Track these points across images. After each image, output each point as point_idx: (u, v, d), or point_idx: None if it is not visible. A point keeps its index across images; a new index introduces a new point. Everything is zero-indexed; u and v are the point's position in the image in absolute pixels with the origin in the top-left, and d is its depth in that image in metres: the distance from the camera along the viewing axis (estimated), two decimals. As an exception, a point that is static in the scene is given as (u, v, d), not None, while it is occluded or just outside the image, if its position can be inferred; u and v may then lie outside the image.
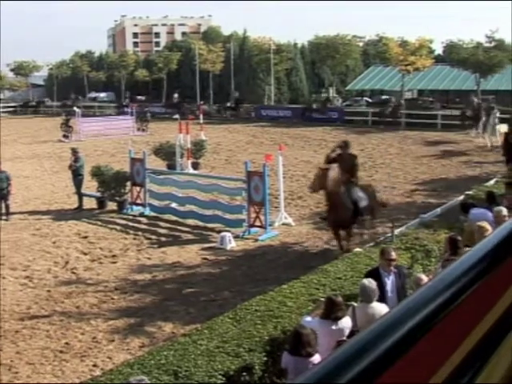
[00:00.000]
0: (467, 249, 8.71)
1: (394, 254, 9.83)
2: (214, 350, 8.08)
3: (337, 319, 8.18)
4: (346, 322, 8.24)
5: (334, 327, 8.14)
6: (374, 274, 9.47)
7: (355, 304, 8.72)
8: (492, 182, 20.02)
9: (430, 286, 1.50)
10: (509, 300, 1.92)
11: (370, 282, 8.66)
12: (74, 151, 24.24)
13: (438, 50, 66.49)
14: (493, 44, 53.95)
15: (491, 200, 14.20)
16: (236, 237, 18.37)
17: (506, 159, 23.70)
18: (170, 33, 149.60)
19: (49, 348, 11.71)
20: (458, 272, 1.54)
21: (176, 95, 68.73)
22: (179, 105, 61.87)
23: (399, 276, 9.65)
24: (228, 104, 62.65)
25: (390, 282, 9.49)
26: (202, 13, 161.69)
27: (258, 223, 18.89)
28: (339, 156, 15.82)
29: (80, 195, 23.26)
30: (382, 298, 8.98)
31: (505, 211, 11.70)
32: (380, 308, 8.29)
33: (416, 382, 1.33)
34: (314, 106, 57.17)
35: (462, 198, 17.70)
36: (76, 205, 23.20)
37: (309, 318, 8.46)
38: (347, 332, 8.15)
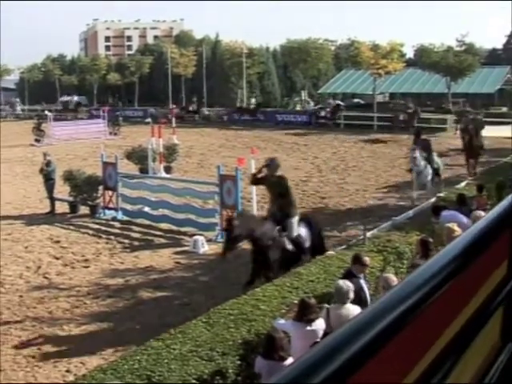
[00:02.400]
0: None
1: (367, 259, 10.03)
2: (188, 354, 8.06)
3: (310, 321, 8.21)
4: (319, 324, 8.27)
5: (307, 329, 8.17)
6: (351, 276, 9.56)
7: (327, 305, 8.76)
8: (463, 184, 20.16)
9: (399, 287, 1.52)
10: (479, 301, 1.95)
11: (345, 283, 8.70)
12: (46, 155, 24.07)
13: (409, 53, 67.01)
14: (463, 48, 54.46)
15: (462, 202, 14.33)
16: (209, 240, 18.34)
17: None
18: (142, 36, 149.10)
19: (21, 354, 11.62)
20: (428, 274, 1.56)
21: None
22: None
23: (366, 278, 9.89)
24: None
25: (365, 284, 9.62)
26: (174, 16, 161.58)
27: (230, 227, 18.87)
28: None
29: (52, 199, 23.12)
30: (364, 300, 9.08)
31: (483, 215, 11.79)
32: (354, 309, 8.33)
33: (387, 382, 1.34)
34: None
35: (433, 200, 17.80)
36: (48, 209, 23.06)
37: (282, 321, 8.48)
38: (321, 334, 8.17)
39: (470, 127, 27.90)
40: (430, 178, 22.09)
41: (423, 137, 23.26)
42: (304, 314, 8.24)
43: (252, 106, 62.81)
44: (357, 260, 9.93)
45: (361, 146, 40.21)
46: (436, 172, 22.44)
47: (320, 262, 11.88)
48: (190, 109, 62.41)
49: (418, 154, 21.72)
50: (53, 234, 20.03)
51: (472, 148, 26.87)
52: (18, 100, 78.31)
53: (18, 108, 74.06)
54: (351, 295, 8.62)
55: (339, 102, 58.98)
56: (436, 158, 23.00)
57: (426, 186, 22.05)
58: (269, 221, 13.07)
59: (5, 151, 39.99)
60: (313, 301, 8.46)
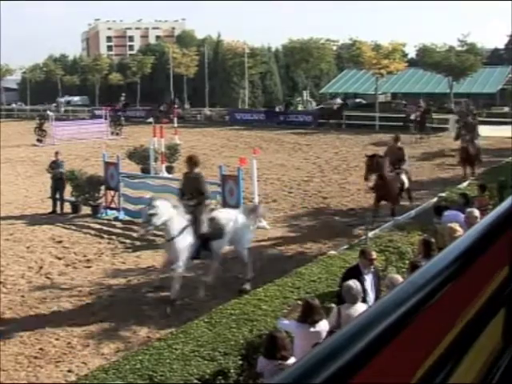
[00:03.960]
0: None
1: (374, 254, 10.06)
2: (190, 354, 8.06)
3: (314, 323, 8.18)
4: (323, 326, 8.23)
5: (311, 330, 8.14)
6: (355, 271, 9.59)
7: (333, 305, 8.75)
8: (465, 184, 20.13)
9: (401, 288, 1.52)
10: (480, 302, 1.95)
11: (355, 283, 8.68)
12: (58, 154, 24.05)
13: (411, 53, 67.01)
14: (465, 48, 54.47)
15: (464, 202, 14.32)
16: (211, 240, 18.31)
17: None
18: (144, 36, 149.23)
19: (23, 354, 11.62)
20: (429, 274, 1.56)
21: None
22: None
23: (375, 275, 9.84)
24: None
25: (369, 280, 9.62)
26: (175, 16, 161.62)
27: (232, 227, 18.84)
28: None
29: (57, 200, 23.10)
30: (363, 296, 9.09)
31: (476, 212, 11.81)
32: (364, 309, 8.30)
33: (389, 382, 1.34)
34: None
35: (435, 200, 17.79)
36: (56, 209, 23.03)
37: (286, 321, 8.45)
38: (324, 335, 8.15)
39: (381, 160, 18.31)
40: (183, 253, 13.54)
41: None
42: (308, 315, 8.21)
43: (336, 106, 55.21)
44: (362, 254, 9.99)
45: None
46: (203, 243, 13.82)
47: (322, 261, 11.90)
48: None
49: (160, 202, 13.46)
50: (55, 234, 20.03)
51: (386, 189, 18.39)
52: (62, 100, 75.13)
53: (62, 109, 71.05)
54: (361, 294, 8.64)
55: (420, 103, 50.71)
56: (220, 215, 14.44)
57: (175, 270, 13.53)
58: None
59: (7, 151, 40.05)
60: (316, 302, 8.42)
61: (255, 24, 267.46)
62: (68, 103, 78.47)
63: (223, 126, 54.76)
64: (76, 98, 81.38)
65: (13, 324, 12.99)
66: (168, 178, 25.53)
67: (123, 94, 65.85)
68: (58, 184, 23.14)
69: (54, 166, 23.53)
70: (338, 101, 57.00)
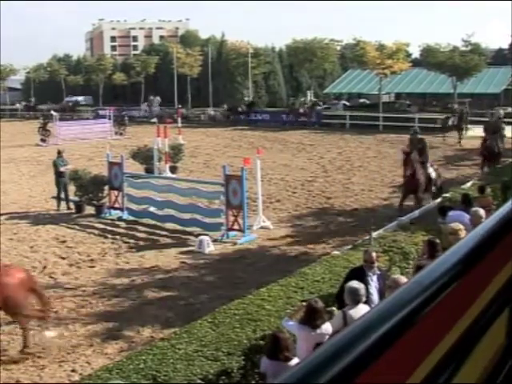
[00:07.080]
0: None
1: (373, 256, 9.91)
2: (193, 354, 8.06)
3: (316, 326, 8.12)
4: (325, 329, 8.17)
5: (312, 333, 8.10)
6: (359, 271, 9.54)
7: (334, 309, 8.72)
8: (469, 184, 20.07)
9: (406, 287, 1.52)
10: (485, 301, 1.95)
11: (359, 285, 8.61)
12: (61, 152, 24.14)
13: (415, 53, 66.87)
14: (469, 48, 54.36)
15: (467, 202, 14.28)
16: (214, 240, 18.35)
17: None
18: (148, 36, 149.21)
19: (27, 353, 11.62)
20: (435, 274, 1.56)
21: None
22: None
23: (381, 279, 9.72)
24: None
25: (372, 282, 9.55)
26: (179, 16, 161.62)
27: (236, 227, 18.88)
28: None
29: (60, 198, 23.18)
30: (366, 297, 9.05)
31: (482, 212, 11.75)
32: (367, 310, 8.25)
33: (394, 382, 1.34)
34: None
35: (439, 200, 17.76)
36: (63, 208, 23.16)
37: (291, 322, 8.41)
38: (327, 338, 8.10)
39: None
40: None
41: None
42: (311, 318, 8.16)
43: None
44: (364, 255, 9.95)
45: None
46: None
47: (325, 261, 11.88)
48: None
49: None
50: (58, 234, 20.05)
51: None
52: (158, 99, 66.53)
53: (157, 108, 63.38)
54: (364, 296, 8.59)
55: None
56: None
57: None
58: None
59: (11, 151, 40.10)
60: (320, 305, 8.32)
61: (259, 24, 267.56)
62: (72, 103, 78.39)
63: (227, 125, 54.75)
64: (80, 98, 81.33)
65: (16, 323, 13.01)
66: (172, 177, 25.56)
67: (246, 92, 62.60)
68: (60, 182, 23.24)
69: (61, 163, 23.64)
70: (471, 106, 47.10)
